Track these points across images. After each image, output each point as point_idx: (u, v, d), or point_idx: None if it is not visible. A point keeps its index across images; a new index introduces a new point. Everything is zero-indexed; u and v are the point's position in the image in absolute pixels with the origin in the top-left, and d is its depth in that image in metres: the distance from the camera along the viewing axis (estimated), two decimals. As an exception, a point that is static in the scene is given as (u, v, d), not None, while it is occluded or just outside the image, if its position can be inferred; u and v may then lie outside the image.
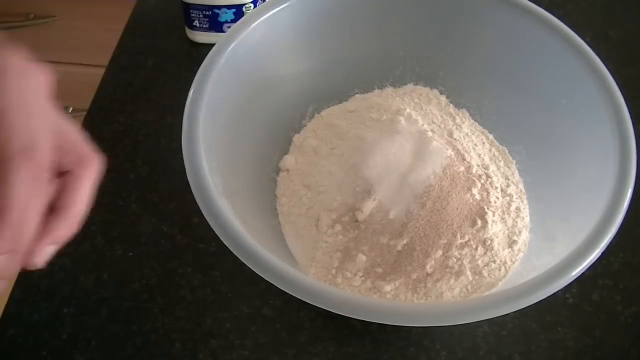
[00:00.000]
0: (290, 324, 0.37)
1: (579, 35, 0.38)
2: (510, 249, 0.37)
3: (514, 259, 0.37)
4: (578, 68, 0.36)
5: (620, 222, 0.30)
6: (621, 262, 0.40)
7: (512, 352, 0.37)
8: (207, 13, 0.50)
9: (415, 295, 0.35)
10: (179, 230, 0.41)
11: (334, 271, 0.36)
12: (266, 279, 0.28)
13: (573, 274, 0.29)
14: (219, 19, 0.50)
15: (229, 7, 0.49)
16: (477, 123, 0.44)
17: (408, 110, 0.42)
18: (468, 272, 0.36)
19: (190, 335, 0.37)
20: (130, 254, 0.40)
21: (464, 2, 0.41)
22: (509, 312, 0.28)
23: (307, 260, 0.37)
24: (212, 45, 0.36)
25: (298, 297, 0.28)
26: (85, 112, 0.48)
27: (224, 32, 0.51)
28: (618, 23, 0.56)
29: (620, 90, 0.35)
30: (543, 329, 0.37)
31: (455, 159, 0.39)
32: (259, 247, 0.29)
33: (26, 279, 0.39)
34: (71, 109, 0.84)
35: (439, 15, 0.42)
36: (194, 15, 0.50)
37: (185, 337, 0.37)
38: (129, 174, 0.44)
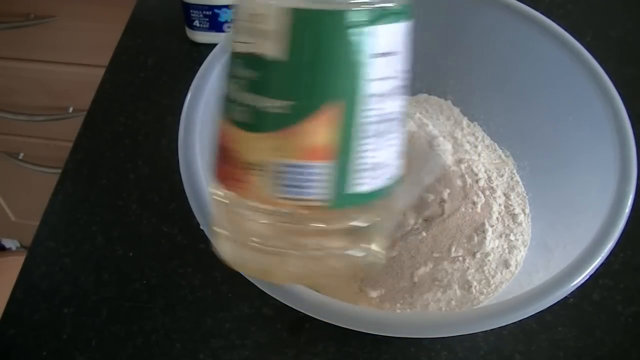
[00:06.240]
0: (290, 324, 0.37)
1: (579, 35, 0.38)
2: (504, 267, 0.37)
3: (507, 277, 0.37)
4: (587, 86, 0.36)
5: (610, 249, 0.30)
6: (621, 262, 0.40)
7: (513, 352, 0.37)
8: (207, 13, 0.50)
9: (400, 304, 0.35)
10: (179, 230, 0.41)
11: None
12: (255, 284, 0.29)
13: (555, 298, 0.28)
14: (219, 19, 0.50)
15: (229, 7, 0.49)
16: (487, 135, 0.44)
17: (418, 114, 0.41)
18: (456, 287, 0.36)
19: (190, 336, 0.37)
20: (131, 254, 0.40)
21: (476, 13, 0.41)
22: (499, 325, 0.27)
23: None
24: (212, 45, 0.36)
25: (284, 302, 0.28)
26: (85, 112, 0.48)
27: (224, 32, 0.51)
28: (618, 23, 0.56)
29: (620, 90, 0.35)
30: (543, 328, 0.37)
31: (464, 171, 0.38)
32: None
33: (26, 279, 0.39)
34: (71, 109, 0.84)
35: (449, 25, 0.42)
36: (194, 15, 0.50)
37: (185, 337, 0.37)
38: (129, 174, 0.44)
